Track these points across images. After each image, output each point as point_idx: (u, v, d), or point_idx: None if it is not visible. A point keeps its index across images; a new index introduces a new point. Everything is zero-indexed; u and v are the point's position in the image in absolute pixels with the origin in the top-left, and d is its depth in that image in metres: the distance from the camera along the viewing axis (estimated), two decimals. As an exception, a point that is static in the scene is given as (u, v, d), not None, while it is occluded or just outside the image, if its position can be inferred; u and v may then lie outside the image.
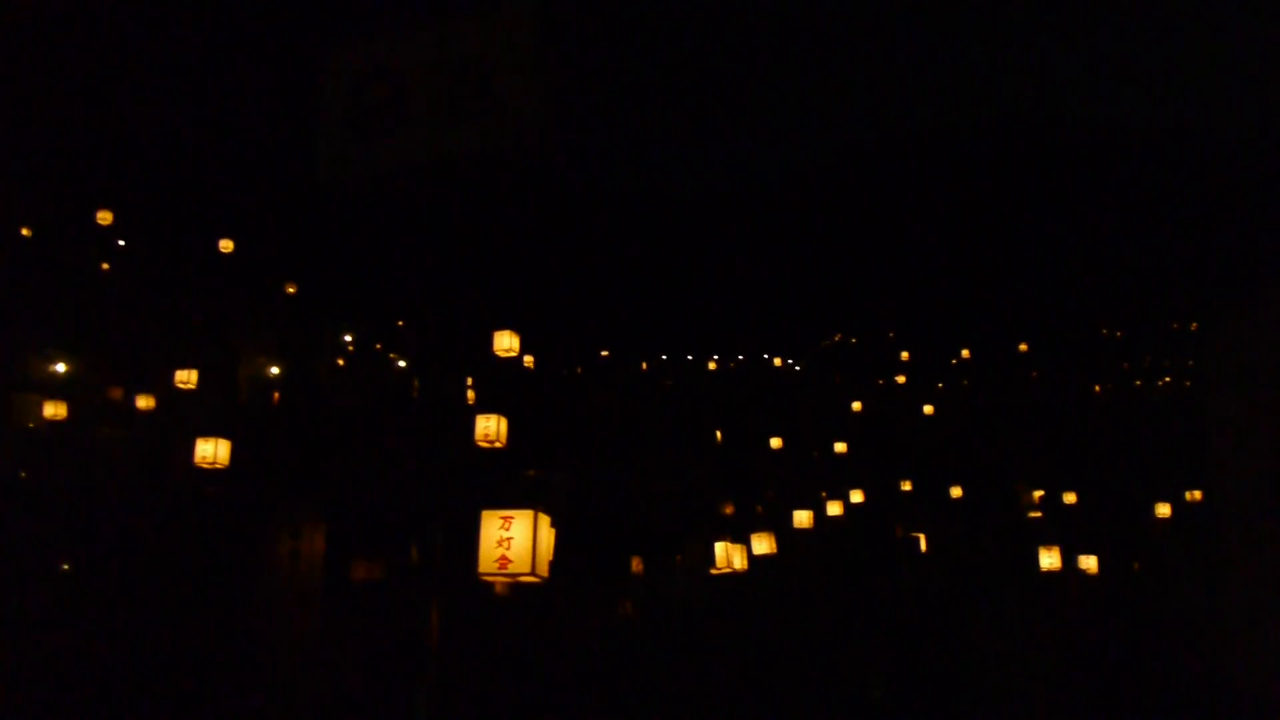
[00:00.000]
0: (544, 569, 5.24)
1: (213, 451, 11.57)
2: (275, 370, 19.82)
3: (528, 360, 23.09)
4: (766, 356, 46.96)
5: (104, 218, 23.82)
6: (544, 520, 5.25)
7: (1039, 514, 20.52)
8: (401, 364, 26.20)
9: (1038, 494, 21.78)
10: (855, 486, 20.32)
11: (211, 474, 11.41)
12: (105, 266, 24.13)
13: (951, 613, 10.60)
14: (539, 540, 5.18)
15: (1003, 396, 36.51)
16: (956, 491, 21.41)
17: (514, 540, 5.12)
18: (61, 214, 23.10)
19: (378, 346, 29.12)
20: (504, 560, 5.10)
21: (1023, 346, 47.69)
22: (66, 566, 11.12)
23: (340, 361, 25.67)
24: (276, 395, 18.43)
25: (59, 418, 15.42)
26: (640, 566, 13.24)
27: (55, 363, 17.12)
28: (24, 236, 21.81)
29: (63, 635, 7.96)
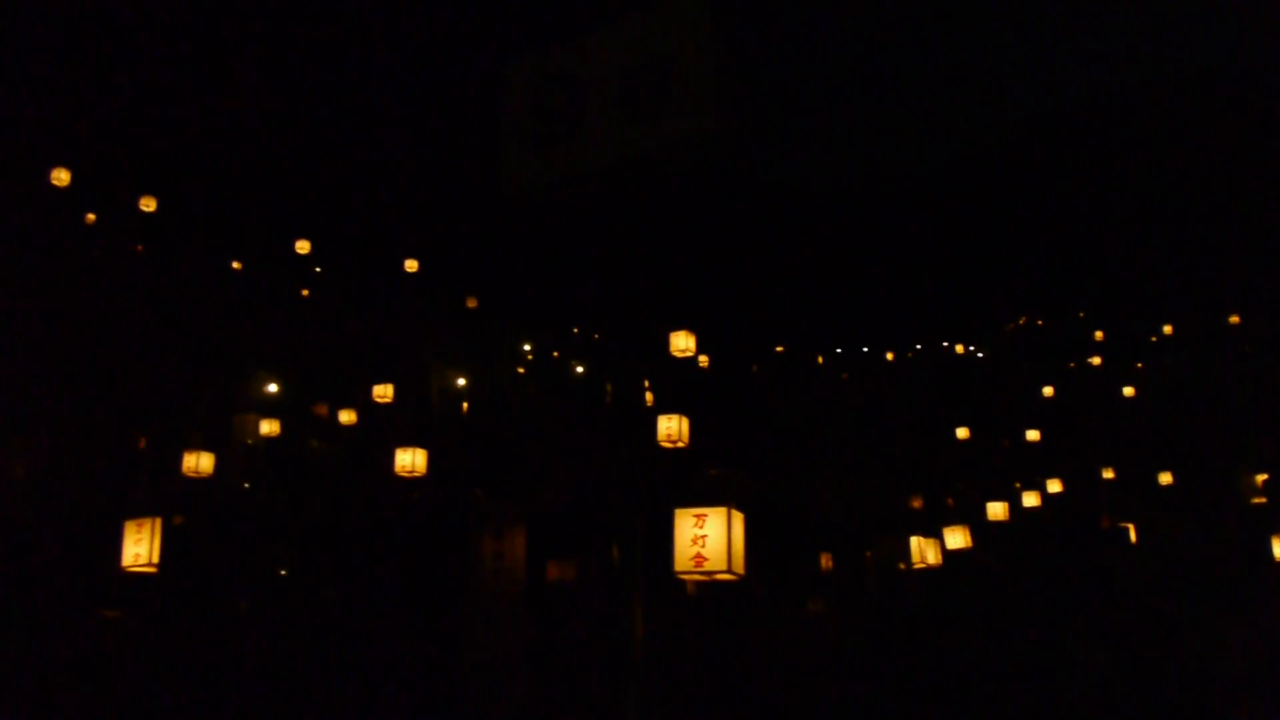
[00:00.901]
0: (740, 566, 5.18)
1: (411, 460, 12.20)
2: (462, 380, 20.66)
3: (702, 359, 23.15)
4: (946, 344, 45.25)
5: (302, 247, 25.58)
6: (737, 517, 5.20)
7: (1263, 499, 18.82)
8: (579, 369, 26.79)
9: (1260, 478, 19.96)
10: (1052, 476, 19.28)
11: (411, 481, 12.02)
12: (305, 293, 25.91)
13: (1176, 610, 9.82)
14: (733, 537, 5.14)
15: (1213, 374, 33.72)
16: (1166, 478, 19.92)
17: (709, 538, 5.10)
18: (266, 246, 24.95)
19: (555, 354, 29.90)
20: (699, 558, 5.08)
21: (1234, 319, 43.92)
22: (284, 572, 11.96)
23: (520, 370, 26.51)
24: (466, 405, 19.21)
25: (274, 434, 16.66)
26: (829, 563, 12.98)
27: (268, 384, 18.48)
28: (235, 270, 23.68)
29: (282, 636, 8.55)
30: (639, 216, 4.95)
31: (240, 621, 8.42)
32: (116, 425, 14.37)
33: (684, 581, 6.30)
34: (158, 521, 6.75)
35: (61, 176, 19.24)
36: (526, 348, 28.80)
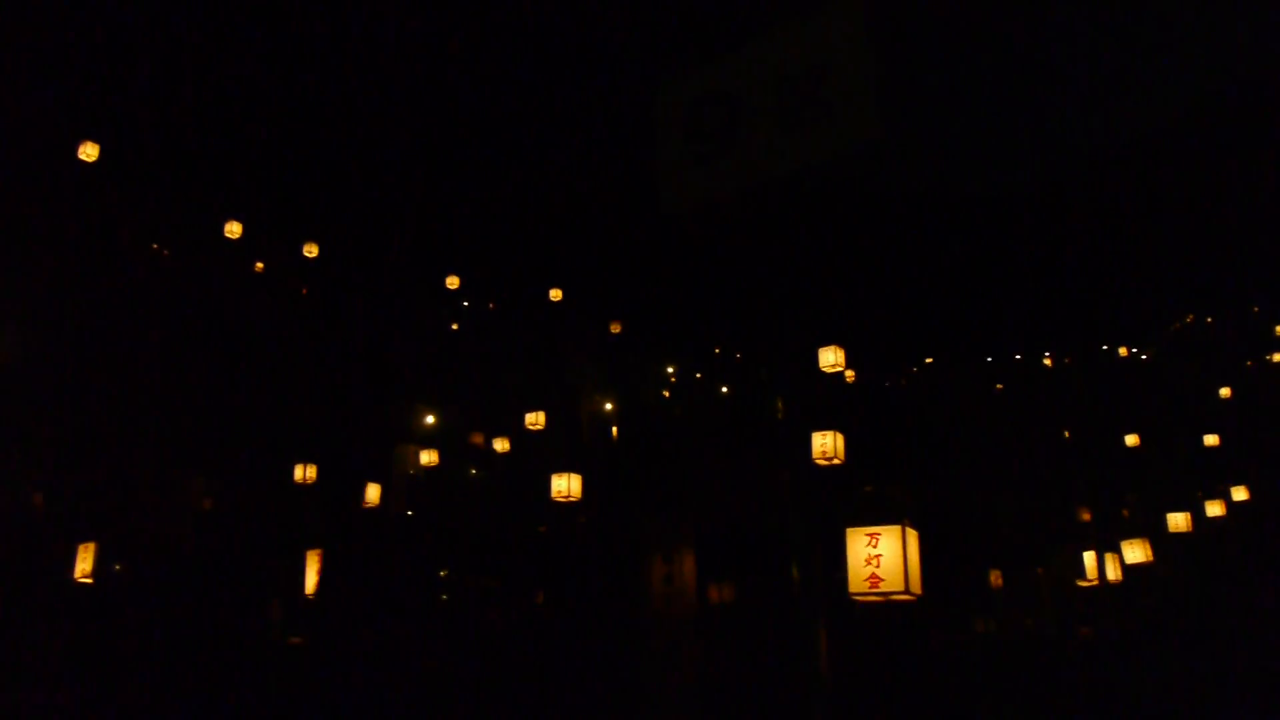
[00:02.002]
0: (917, 586, 4.99)
1: (566, 485, 12.38)
2: (610, 405, 20.91)
3: (849, 374, 22.70)
4: (1106, 347, 42.92)
5: (452, 282, 26.51)
6: (912, 535, 5.01)
7: None
8: (725, 389, 26.70)
9: None
10: (1237, 483, 17.90)
11: (568, 506, 12.20)
12: (455, 326, 26.84)
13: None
14: (909, 556, 4.95)
15: None
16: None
17: (883, 557, 4.93)
18: (417, 284, 25.99)
19: (698, 375, 29.91)
20: (875, 579, 4.91)
21: None
22: (445, 597, 12.32)
23: (665, 393, 26.63)
24: (615, 430, 19.42)
25: (433, 464, 17.26)
26: (999, 580, 12.43)
27: (426, 416, 19.17)
28: (394, 308, 24.75)
29: (449, 659, 8.77)
30: (788, 231, 4.86)
31: (410, 644, 8.69)
32: (289, 460, 15.13)
33: (850, 602, 6.12)
34: (326, 552, 7.04)
35: (234, 229, 20.57)
36: (669, 370, 28.95)
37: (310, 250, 23.21)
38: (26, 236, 15.15)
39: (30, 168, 16.65)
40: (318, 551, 7.12)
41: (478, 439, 18.82)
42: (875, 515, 5.06)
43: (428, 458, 17.22)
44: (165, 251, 19.07)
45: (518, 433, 17.79)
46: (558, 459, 13.67)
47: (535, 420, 17.56)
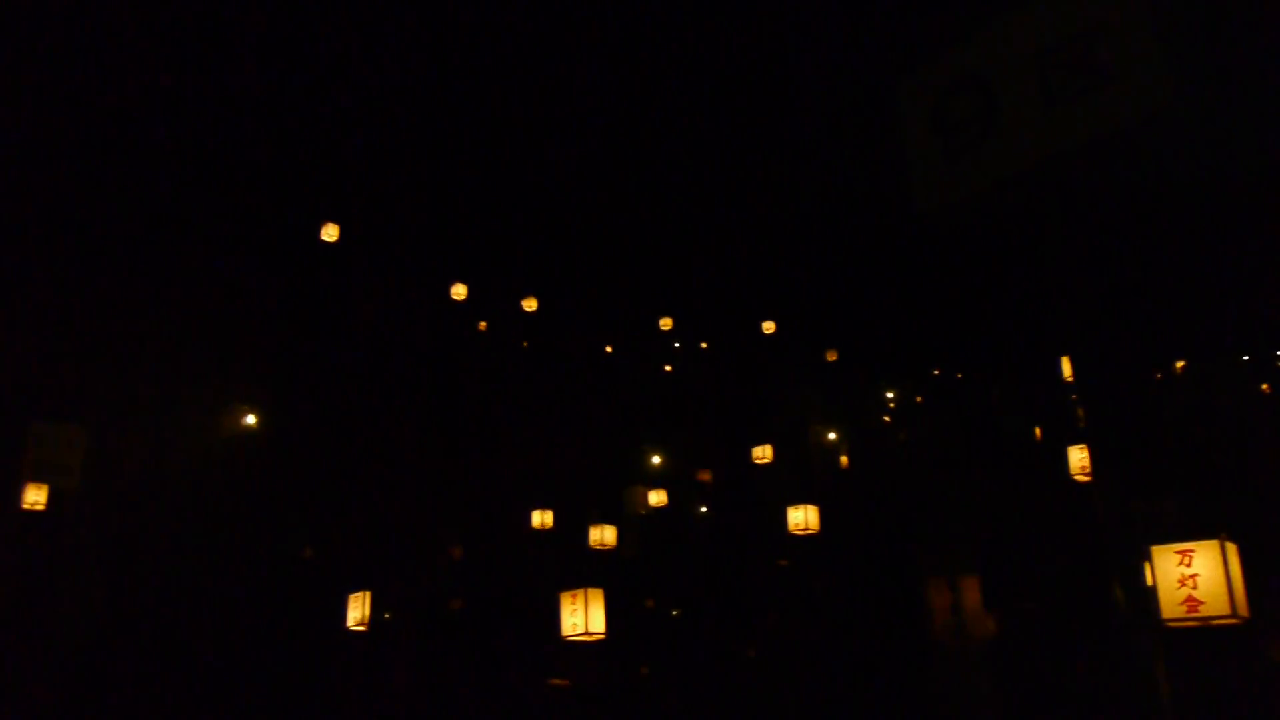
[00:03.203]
0: (1244, 608, 4.37)
1: (803, 518, 12.07)
2: (833, 435, 20.38)
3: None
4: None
5: (665, 324, 26.88)
6: (1232, 550, 4.41)
7: None
8: (946, 411, 25.43)
9: None
10: None
11: (806, 539, 11.87)
12: (668, 368, 27.10)
13: None
14: (1232, 574, 4.35)
15: None
16: None
17: (1200, 577, 4.35)
18: (631, 327, 26.50)
19: (918, 399, 28.75)
20: (1192, 602, 4.34)
21: None
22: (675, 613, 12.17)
23: (886, 418, 25.75)
24: (844, 459, 18.88)
25: (661, 504, 17.34)
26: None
27: (651, 456, 19.35)
28: (608, 353, 25.34)
29: (705, 692, 8.60)
30: (1038, 232, 4.44)
31: (667, 682, 8.60)
32: (521, 506, 15.63)
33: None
34: (591, 592, 7.06)
35: (459, 291, 21.78)
36: (889, 395, 27.99)
37: (530, 305, 24.17)
38: (287, 315, 16.59)
39: (275, 249, 18.20)
40: (577, 593, 7.17)
41: (705, 476, 18.78)
42: (1185, 532, 4.49)
43: (656, 498, 17.32)
44: (405, 318, 20.37)
45: (745, 468, 17.63)
46: (789, 491, 13.38)
47: (762, 454, 17.34)
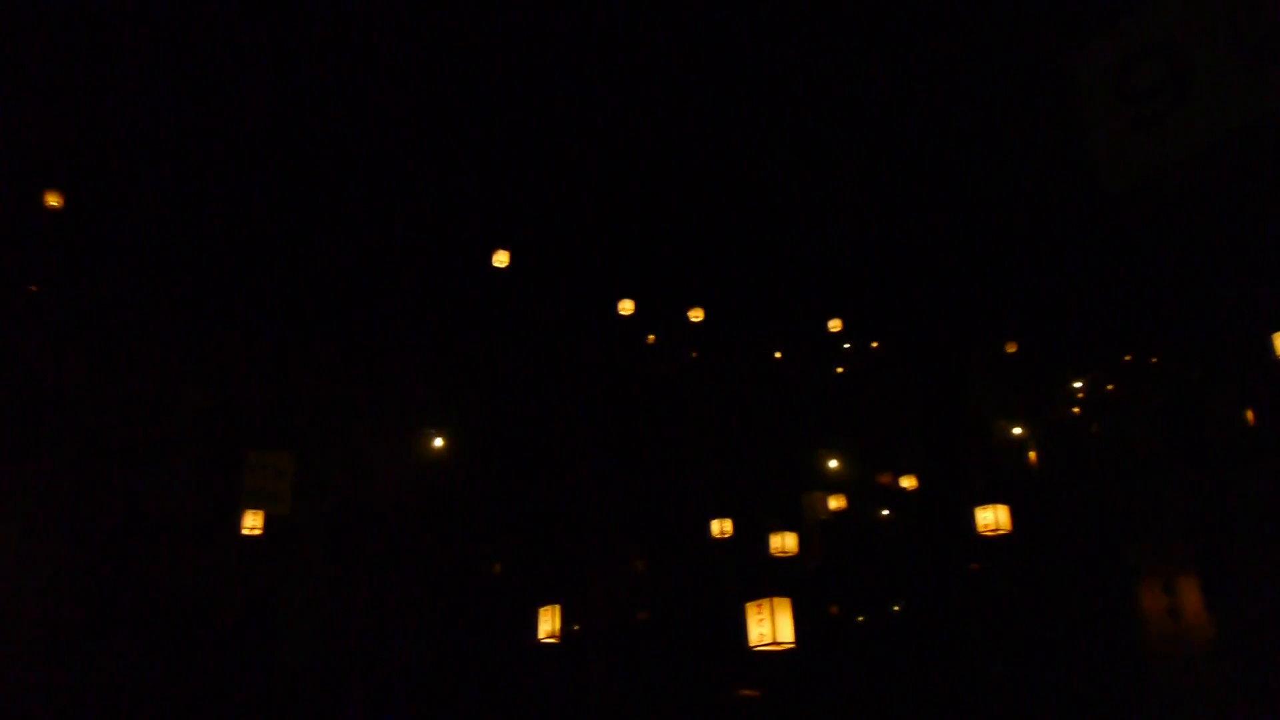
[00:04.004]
0: None
1: (993, 518, 11.56)
2: (1018, 430, 19.48)
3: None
4: None
5: (834, 325, 26.41)
6: None
7: None
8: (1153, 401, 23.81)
9: None
10: None
11: (998, 540, 11.36)
12: (840, 369, 26.60)
13: None
14: None
15: None
16: None
17: None
18: (799, 331, 26.20)
19: (1109, 388, 27.07)
20: None
21: None
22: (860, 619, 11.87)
23: (1075, 409, 24.38)
24: (1033, 454, 18.02)
25: (841, 509, 17.05)
26: None
27: (828, 461, 19.06)
28: (777, 359, 25.16)
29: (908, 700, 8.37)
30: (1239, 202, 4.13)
31: (865, 692, 8.43)
32: (700, 516, 15.68)
33: None
34: (778, 601, 7.01)
35: (627, 306, 22.10)
36: (1077, 385, 26.48)
37: (696, 316, 24.27)
38: (466, 341, 17.38)
39: (447, 273, 19.03)
40: (762, 603, 7.13)
41: (885, 479, 18.34)
42: None
43: (836, 503, 17.05)
44: (577, 337, 20.91)
45: (924, 468, 17.07)
46: (974, 492, 12.86)
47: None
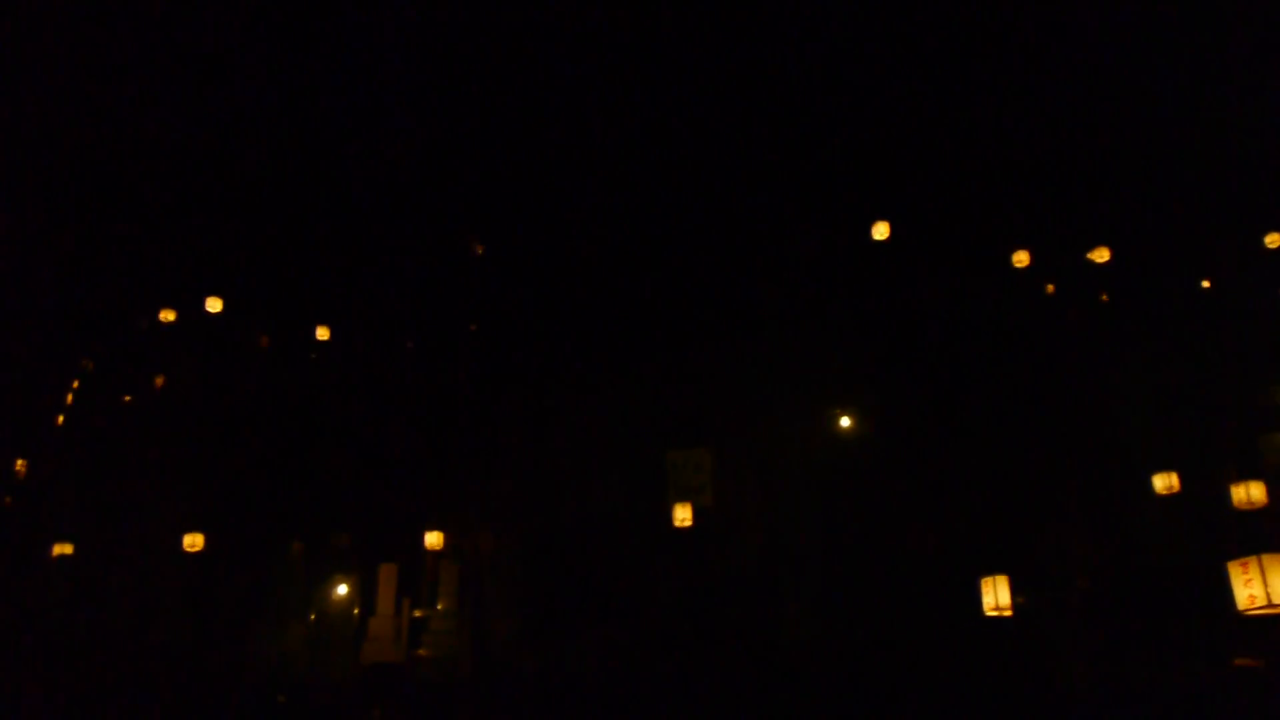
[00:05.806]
0: None
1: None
2: None
3: None
4: None
5: (1271, 240, 22.85)
6: None
7: None
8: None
9: None
10: None
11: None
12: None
13: None
14: None
15: None
16: None
17: None
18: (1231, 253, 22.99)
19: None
20: None
21: None
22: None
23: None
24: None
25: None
26: None
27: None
28: (1205, 288, 22.29)
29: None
30: None
31: None
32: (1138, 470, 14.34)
33: None
34: (1268, 559, 6.23)
35: (1022, 258, 20.71)
36: None
37: (1099, 255, 22.17)
38: (857, 321, 17.43)
39: (835, 259, 19.09)
40: (1248, 561, 6.40)
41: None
42: None
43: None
44: (967, 301, 20.12)
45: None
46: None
47: None
